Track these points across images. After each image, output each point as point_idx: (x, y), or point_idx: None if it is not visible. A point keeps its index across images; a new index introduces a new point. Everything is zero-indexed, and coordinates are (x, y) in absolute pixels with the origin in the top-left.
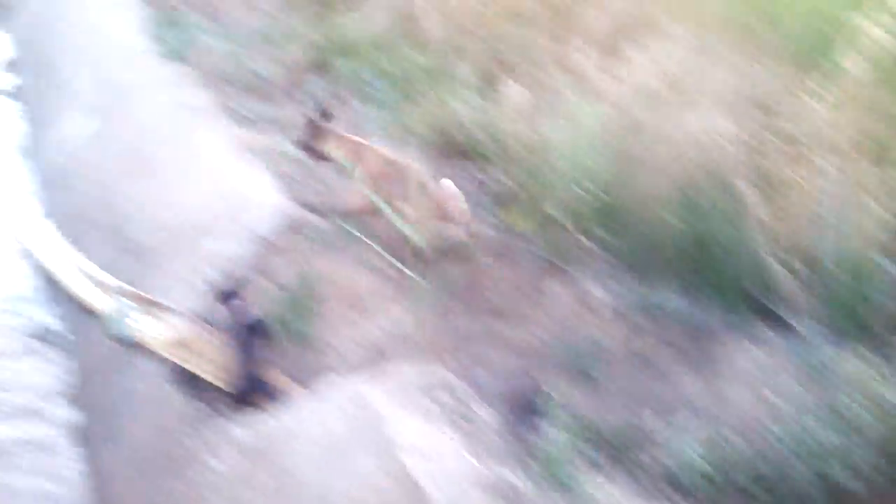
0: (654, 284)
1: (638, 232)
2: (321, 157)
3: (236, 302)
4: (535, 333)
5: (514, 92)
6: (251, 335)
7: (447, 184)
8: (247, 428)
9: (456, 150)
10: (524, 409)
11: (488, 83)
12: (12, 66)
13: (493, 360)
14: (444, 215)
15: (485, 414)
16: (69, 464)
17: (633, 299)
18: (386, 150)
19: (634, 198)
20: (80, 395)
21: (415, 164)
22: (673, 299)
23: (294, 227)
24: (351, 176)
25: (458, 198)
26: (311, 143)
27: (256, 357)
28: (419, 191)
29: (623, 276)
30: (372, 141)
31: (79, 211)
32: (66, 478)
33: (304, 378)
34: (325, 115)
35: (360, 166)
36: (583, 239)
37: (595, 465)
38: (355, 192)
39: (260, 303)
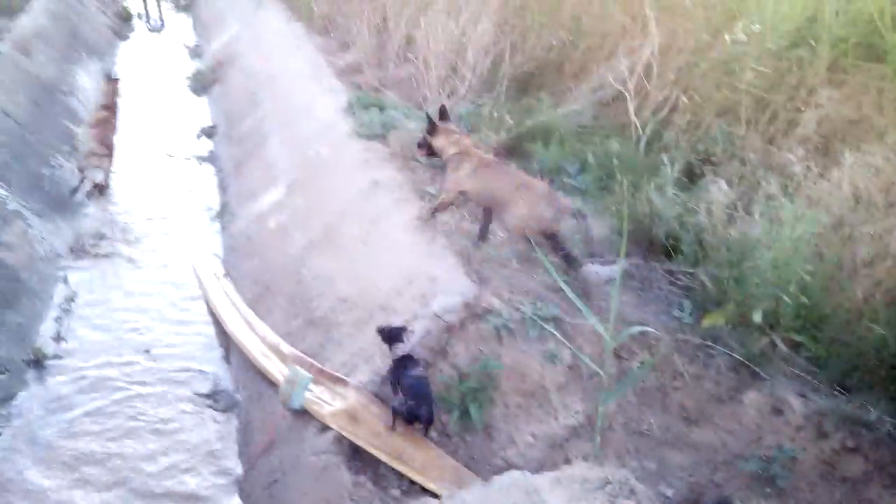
0: (854, 395)
1: (840, 340)
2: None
3: (410, 380)
4: (725, 440)
5: (717, 188)
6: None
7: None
8: None
9: (653, 245)
10: None
11: (691, 178)
12: (209, 133)
13: (679, 464)
14: None
15: None
16: None
17: (830, 409)
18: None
19: (839, 305)
20: (246, 458)
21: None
22: (872, 411)
23: (478, 313)
24: None
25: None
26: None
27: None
28: None
29: (821, 384)
30: None
31: (265, 279)
32: None
33: (478, 466)
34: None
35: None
36: (781, 344)
37: None
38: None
39: (438, 385)
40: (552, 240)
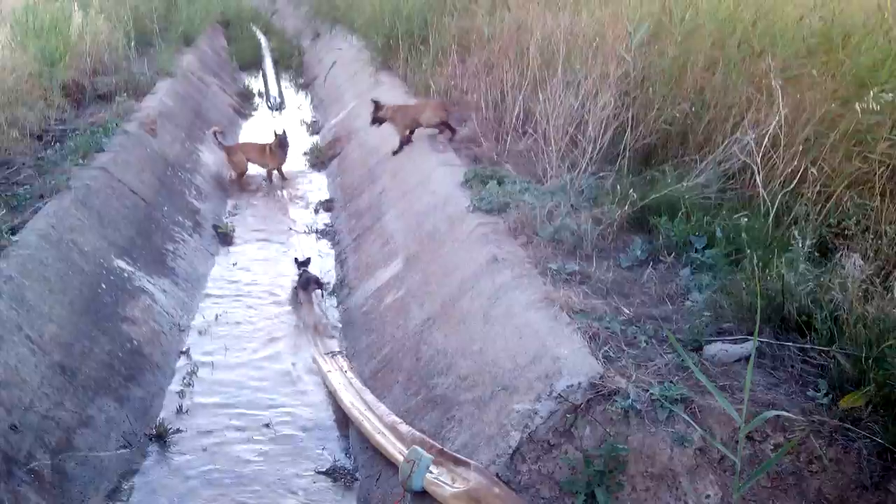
0: None
1: None
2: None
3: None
4: None
5: (852, 263)
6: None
7: None
8: None
9: (784, 322)
10: None
11: (823, 252)
12: (327, 206)
13: None
14: None
15: None
16: None
17: None
18: None
19: None
20: None
21: None
22: None
23: (604, 394)
24: None
25: None
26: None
27: None
28: None
29: None
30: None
31: (383, 355)
32: None
33: None
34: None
35: None
36: None
37: None
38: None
39: (562, 468)
40: (446, 125)
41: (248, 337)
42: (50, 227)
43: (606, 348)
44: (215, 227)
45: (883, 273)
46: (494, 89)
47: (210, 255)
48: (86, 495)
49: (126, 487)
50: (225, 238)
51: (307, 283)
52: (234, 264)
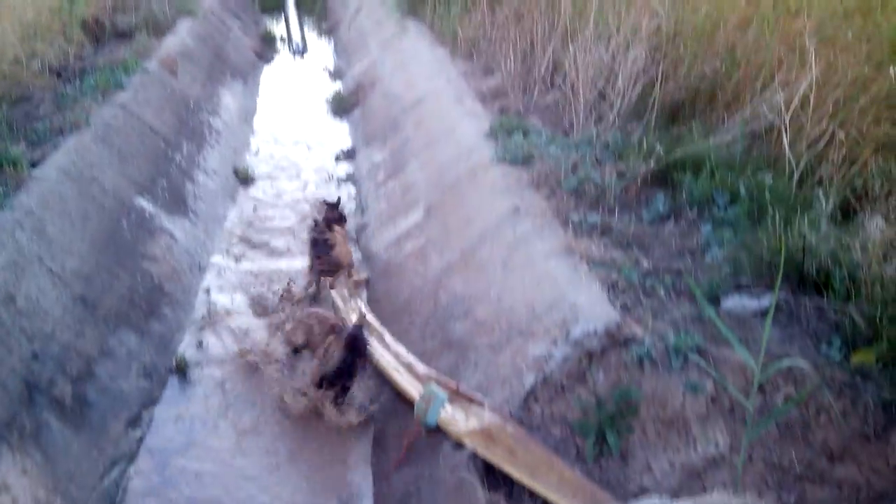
0: None
1: None
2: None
3: None
4: (870, 478)
5: (874, 225)
6: None
7: None
8: None
9: (802, 280)
10: None
11: (845, 214)
12: (348, 155)
13: (820, 500)
14: None
15: None
16: None
17: None
18: None
19: None
20: (379, 472)
21: None
22: None
23: (620, 341)
24: None
25: None
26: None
27: None
28: None
29: None
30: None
31: (402, 299)
32: None
33: (613, 492)
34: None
35: None
36: None
37: None
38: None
39: (575, 411)
40: None
41: (266, 277)
42: (71, 162)
43: (624, 298)
44: (235, 170)
45: None
46: (523, 40)
47: (229, 197)
48: (106, 422)
49: (146, 417)
50: (245, 181)
51: (340, 217)
52: (253, 208)
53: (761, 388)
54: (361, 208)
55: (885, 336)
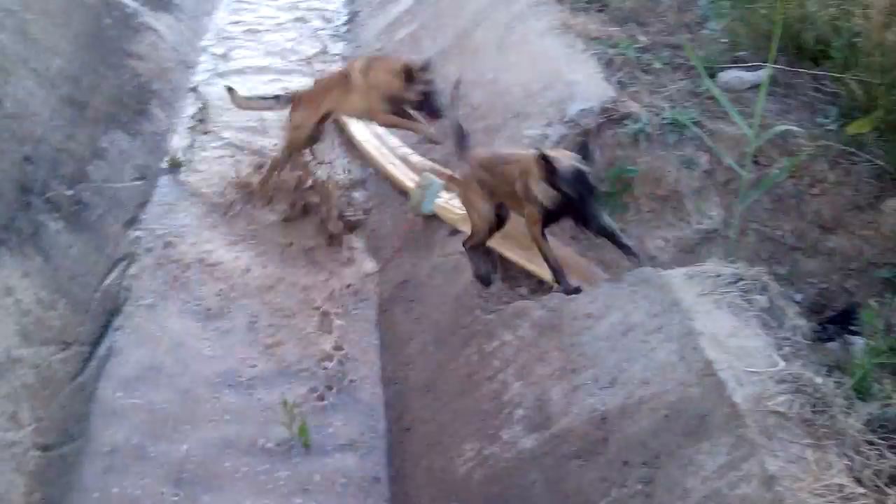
0: None
1: None
2: None
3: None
4: (861, 247)
5: None
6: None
7: None
8: (543, 305)
9: (801, 51)
10: (839, 321)
11: None
12: None
13: (811, 270)
14: None
15: (797, 319)
16: None
17: None
18: None
19: None
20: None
21: None
22: None
23: (616, 118)
24: None
25: None
26: None
27: None
28: None
29: None
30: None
31: None
32: None
33: (609, 265)
34: None
35: None
36: None
37: None
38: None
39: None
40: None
41: (256, 72)
42: None
43: (621, 74)
44: None
45: None
46: None
47: None
48: (104, 222)
49: (143, 217)
50: None
51: None
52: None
53: (757, 161)
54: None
55: (882, 105)
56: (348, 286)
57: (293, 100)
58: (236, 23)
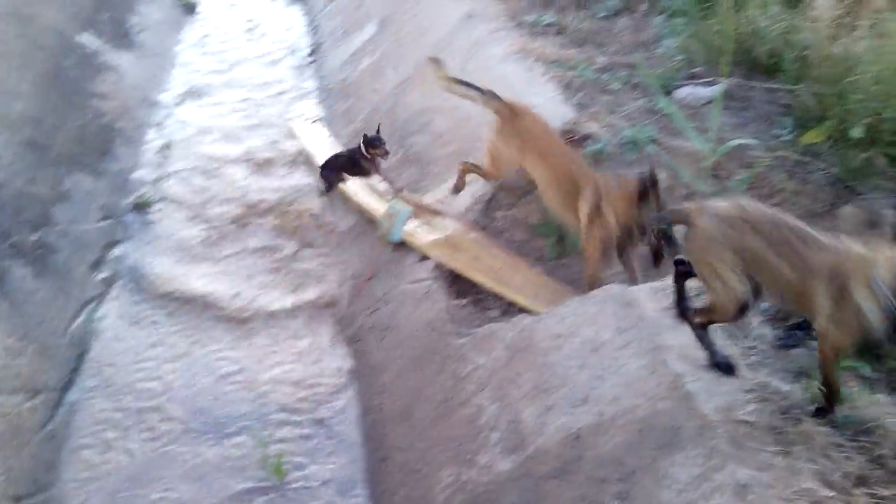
0: None
1: None
2: None
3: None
4: None
5: (822, 4)
6: None
7: None
8: (514, 326)
9: (755, 65)
10: (804, 327)
11: None
12: None
13: None
14: None
15: (761, 328)
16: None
17: None
18: None
19: None
20: (349, 288)
21: None
22: None
23: (578, 139)
24: None
25: None
26: None
27: None
28: None
29: None
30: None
31: (360, 119)
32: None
33: (575, 288)
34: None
35: None
36: (881, 160)
37: (867, 383)
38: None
39: (534, 212)
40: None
41: (223, 107)
42: (6, 1)
43: (580, 95)
44: None
45: (853, 14)
46: None
47: (176, 26)
48: (70, 265)
49: (111, 257)
50: (188, 8)
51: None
52: (204, 36)
53: (717, 175)
54: (313, 27)
55: (833, 115)
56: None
57: (500, 111)
58: (202, 55)
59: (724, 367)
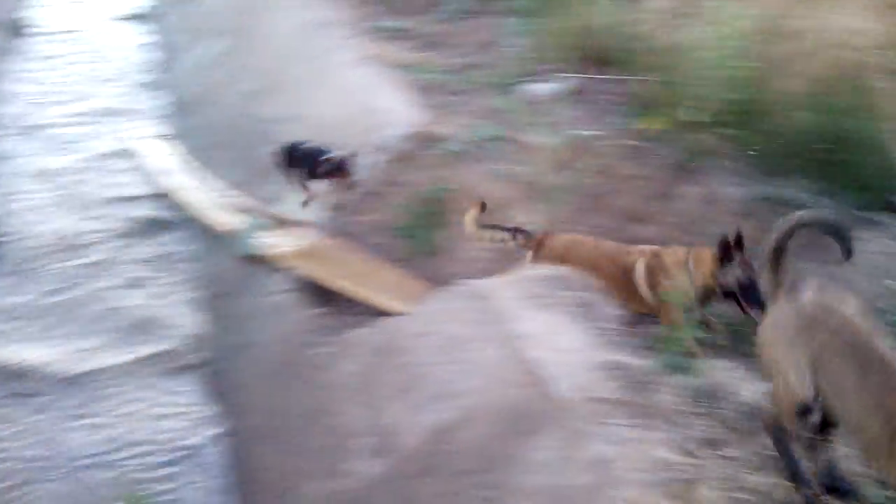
0: (785, 182)
1: (771, 131)
2: None
3: None
4: (664, 232)
5: None
6: None
7: None
8: (378, 329)
9: (594, 57)
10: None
11: None
12: None
13: None
14: None
15: (606, 308)
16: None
17: (762, 196)
18: None
19: (770, 98)
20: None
21: None
22: (802, 195)
23: (430, 141)
24: None
25: None
26: None
27: None
28: None
29: (754, 174)
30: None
31: (213, 133)
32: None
33: (434, 282)
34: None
35: None
36: (715, 140)
37: (714, 351)
38: None
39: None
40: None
41: (59, 140)
42: None
43: (430, 98)
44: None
45: (690, 5)
46: None
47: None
48: None
49: None
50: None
51: None
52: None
53: (567, 165)
54: (164, 43)
55: (665, 101)
56: None
57: (529, 245)
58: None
59: (800, 479)
